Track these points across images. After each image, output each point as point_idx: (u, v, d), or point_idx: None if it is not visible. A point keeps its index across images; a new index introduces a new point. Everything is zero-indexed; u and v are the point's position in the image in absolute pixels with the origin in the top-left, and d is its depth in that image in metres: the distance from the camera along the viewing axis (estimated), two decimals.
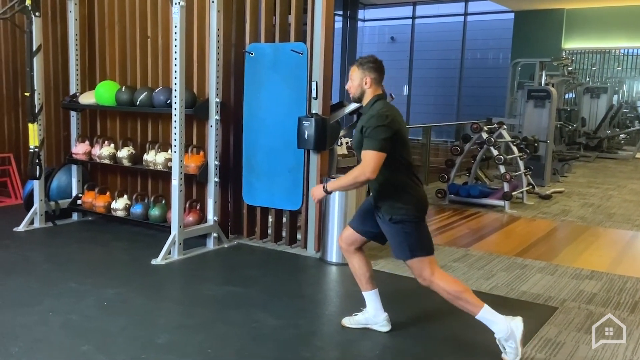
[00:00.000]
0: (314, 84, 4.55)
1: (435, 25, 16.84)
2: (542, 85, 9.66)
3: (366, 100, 3.04)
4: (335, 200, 4.47)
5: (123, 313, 3.44)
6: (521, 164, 7.44)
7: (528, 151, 7.91)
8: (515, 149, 7.50)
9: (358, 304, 3.36)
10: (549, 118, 8.66)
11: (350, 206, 4.45)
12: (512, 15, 15.41)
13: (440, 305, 3.65)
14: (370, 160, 2.82)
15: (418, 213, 2.97)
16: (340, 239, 3.31)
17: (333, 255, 4.51)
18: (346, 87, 3.14)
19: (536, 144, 8.19)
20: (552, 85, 9.60)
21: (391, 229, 2.97)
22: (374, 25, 17.95)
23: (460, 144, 7.46)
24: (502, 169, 6.93)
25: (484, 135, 7.07)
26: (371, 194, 3.12)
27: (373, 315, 3.24)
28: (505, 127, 7.62)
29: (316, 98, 4.56)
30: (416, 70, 16.79)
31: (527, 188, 7.44)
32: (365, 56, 3.11)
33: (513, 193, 6.97)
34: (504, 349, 2.92)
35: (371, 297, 3.23)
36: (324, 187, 3.03)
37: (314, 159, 4.64)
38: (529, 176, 7.61)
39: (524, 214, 6.67)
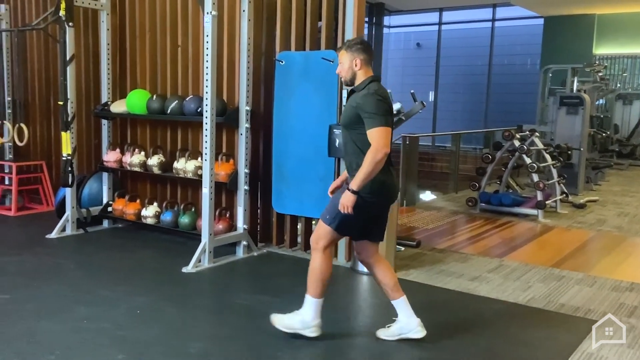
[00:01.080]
0: (345, 92, 4.51)
1: (463, 31, 16.66)
2: (574, 91, 9.48)
3: (359, 81, 3.04)
4: None
5: (156, 322, 3.43)
6: (554, 172, 7.29)
7: (561, 159, 7.75)
8: (548, 156, 7.35)
9: (392, 315, 3.29)
10: (582, 125, 8.49)
11: None
12: (541, 21, 15.19)
13: (475, 317, 3.58)
14: (379, 136, 2.83)
15: (380, 196, 2.98)
16: (356, 253, 3.30)
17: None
18: (336, 71, 3.13)
19: (569, 152, 8.02)
20: (584, 92, 9.41)
21: (345, 195, 2.92)
22: (399, 32, 17.85)
23: (491, 152, 7.35)
24: (535, 177, 6.79)
25: (516, 143, 6.95)
26: (347, 173, 3.12)
27: (406, 323, 3.16)
28: (537, 134, 7.48)
29: None
30: (443, 76, 16.62)
31: (560, 197, 7.28)
32: (352, 39, 3.09)
33: (546, 202, 6.83)
34: (290, 316, 3.18)
35: (400, 305, 3.16)
36: (349, 190, 2.89)
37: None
38: (562, 184, 7.45)
39: (559, 224, 6.52)
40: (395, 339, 3.18)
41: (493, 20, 16.03)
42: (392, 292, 3.15)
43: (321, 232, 3.07)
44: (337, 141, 4.39)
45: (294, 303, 3.80)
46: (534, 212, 6.74)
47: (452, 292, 4.09)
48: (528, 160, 6.90)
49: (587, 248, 5.58)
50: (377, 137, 2.83)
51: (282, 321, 3.20)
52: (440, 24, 16.73)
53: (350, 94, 3.12)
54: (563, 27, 14.77)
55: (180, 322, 3.45)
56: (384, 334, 3.23)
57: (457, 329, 3.43)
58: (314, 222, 4.92)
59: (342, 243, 4.69)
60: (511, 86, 15.83)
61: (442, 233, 5.99)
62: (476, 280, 4.37)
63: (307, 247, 4.96)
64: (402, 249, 4.96)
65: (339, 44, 4.53)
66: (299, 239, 5.04)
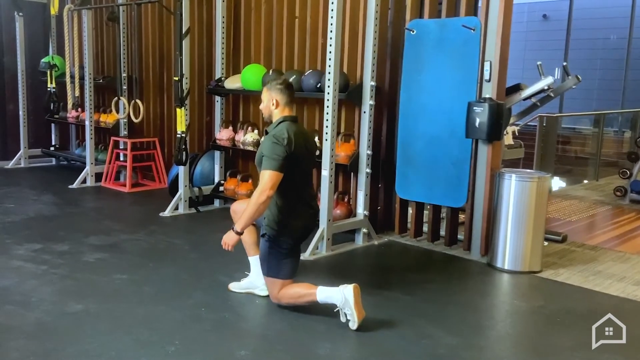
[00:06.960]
0: (487, 64, 3.97)
1: (599, 0, 15.02)
2: None
3: (274, 120, 3.14)
4: (510, 197, 3.87)
5: (277, 314, 3.14)
6: None
7: None
8: None
9: (547, 321, 2.79)
10: None
11: (525, 205, 3.84)
12: None
13: None
14: (267, 180, 2.94)
15: (290, 241, 3.11)
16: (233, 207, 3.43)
17: (504, 262, 3.92)
18: (259, 107, 3.24)
19: None
20: None
21: (262, 243, 3.17)
22: (522, 3, 16.40)
23: None
24: None
25: None
26: None
27: (255, 279, 3.36)
28: None
29: (489, 80, 3.98)
30: (573, 51, 15.07)
31: None
32: (274, 77, 3.18)
33: None
34: (345, 316, 2.99)
35: (255, 262, 3.33)
36: (233, 230, 3.06)
37: (484, 149, 4.07)
38: None
39: None
40: (243, 292, 3.39)
41: None
42: (251, 249, 3.35)
43: (270, 286, 3.17)
44: (478, 120, 3.86)
45: (426, 301, 3.40)
46: None
47: (615, 298, 3.49)
48: None
49: None
50: (265, 180, 2.93)
51: (352, 317, 3.08)
52: None
53: (265, 134, 3.19)
54: None
55: (304, 318, 3.12)
56: (235, 286, 3.43)
57: (632, 345, 2.85)
58: (443, 210, 4.46)
59: (477, 235, 4.19)
60: None
61: (590, 227, 5.33)
62: (637, 285, 3.72)
63: (434, 237, 4.51)
64: (546, 243, 4.37)
65: (483, 9, 3.99)
66: (424, 228, 4.58)
